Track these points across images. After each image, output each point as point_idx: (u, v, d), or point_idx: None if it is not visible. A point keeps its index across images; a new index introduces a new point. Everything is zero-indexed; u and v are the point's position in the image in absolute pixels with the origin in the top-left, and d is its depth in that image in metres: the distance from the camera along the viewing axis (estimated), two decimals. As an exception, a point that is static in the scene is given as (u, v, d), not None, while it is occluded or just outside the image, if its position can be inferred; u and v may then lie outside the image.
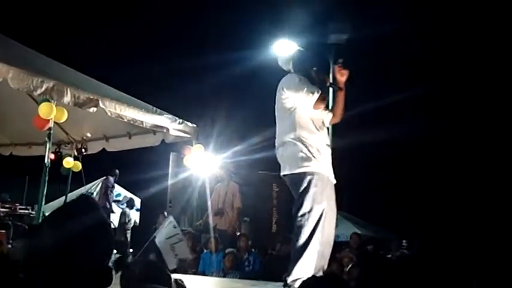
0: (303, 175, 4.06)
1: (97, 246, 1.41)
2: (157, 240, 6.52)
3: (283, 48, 9.06)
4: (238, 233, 8.32)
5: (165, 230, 6.71)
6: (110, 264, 1.56)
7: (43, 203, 6.49)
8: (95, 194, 13.31)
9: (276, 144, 4.37)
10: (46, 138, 6.62)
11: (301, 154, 4.09)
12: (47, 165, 6.49)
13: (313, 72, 4.45)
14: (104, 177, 11.66)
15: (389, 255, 7.97)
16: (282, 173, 4.25)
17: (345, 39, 11.52)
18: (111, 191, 11.24)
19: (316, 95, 4.23)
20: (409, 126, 17.47)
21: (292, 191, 4.18)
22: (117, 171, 11.36)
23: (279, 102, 4.38)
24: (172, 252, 6.48)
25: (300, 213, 3.97)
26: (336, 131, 9.36)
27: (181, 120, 8.15)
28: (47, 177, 6.50)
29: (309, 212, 3.95)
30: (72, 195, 12.99)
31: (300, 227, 3.92)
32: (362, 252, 7.76)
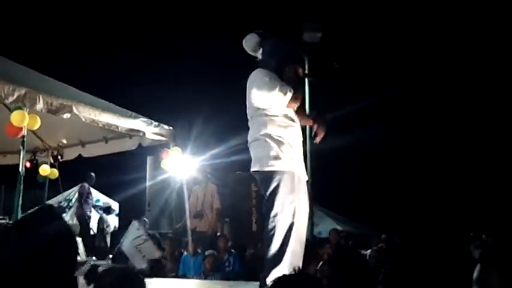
0: (272, 174, 3.92)
1: (59, 255, 1.40)
2: (123, 246, 6.50)
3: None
4: (218, 234, 8.31)
5: (130, 234, 6.72)
6: (79, 274, 1.55)
7: (19, 211, 6.40)
8: (73, 200, 13.21)
9: (249, 139, 4.22)
10: (20, 146, 6.54)
11: (272, 152, 3.96)
12: (21, 173, 6.42)
13: (284, 65, 4.26)
14: (79, 185, 11.39)
15: (366, 251, 8.03)
16: (252, 169, 4.10)
17: (319, 38, 11.56)
18: (88, 197, 11.00)
19: (289, 95, 4.05)
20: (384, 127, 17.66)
21: (262, 189, 4.05)
22: (92, 174, 11.10)
23: (249, 100, 4.20)
24: (140, 254, 6.49)
25: (272, 213, 3.83)
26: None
27: (157, 123, 8.13)
28: (22, 186, 6.44)
29: (281, 212, 3.83)
30: (50, 203, 12.89)
31: (273, 228, 3.82)
32: (336, 248, 7.81)
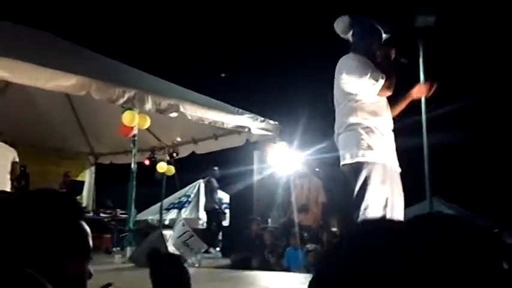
0: (363, 165, 3.71)
1: None
2: (171, 243, 6.72)
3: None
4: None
5: (176, 231, 6.95)
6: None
7: (132, 207, 6.79)
8: (192, 196, 13.76)
9: (336, 130, 3.99)
10: (131, 145, 6.90)
11: (362, 142, 3.73)
12: (133, 170, 6.77)
13: (376, 48, 4.03)
14: (206, 179, 11.62)
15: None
16: (342, 162, 3.87)
17: (433, 22, 10.96)
18: (215, 191, 11.17)
19: (381, 82, 3.83)
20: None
21: (351, 181, 3.78)
22: (215, 168, 11.25)
23: (338, 85, 3.98)
24: (188, 248, 6.78)
25: (363, 206, 3.62)
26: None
27: (262, 119, 8.20)
28: (134, 182, 6.81)
29: (372, 204, 3.61)
30: (170, 200, 13.56)
31: (364, 221, 3.68)
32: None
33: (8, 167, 6.85)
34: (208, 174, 11.31)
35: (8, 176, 6.80)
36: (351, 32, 4.17)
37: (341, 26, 4.21)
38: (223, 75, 17.63)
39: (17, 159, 7.04)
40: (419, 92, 4.24)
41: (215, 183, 11.10)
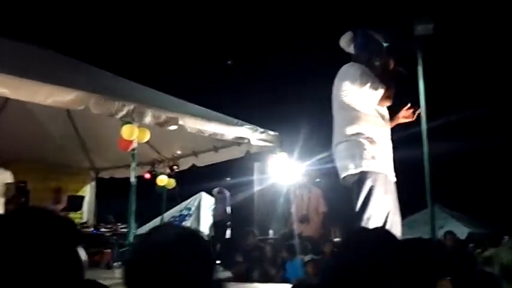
0: (367, 174, 3.75)
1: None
2: None
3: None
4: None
5: None
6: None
7: (133, 221, 6.73)
8: (193, 208, 13.76)
9: (334, 139, 4.04)
10: (131, 159, 6.87)
11: (366, 152, 3.78)
12: (133, 183, 6.73)
13: (375, 58, 4.15)
14: (217, 189, 11.50)
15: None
16: (344, 174, 3.89)
17: (432, 30, 10.97)
18: (228, 203, 11.09)
19: (381, 91, 3.91)
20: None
21: (354, 191, 3.82)
22: (228, 179, 11.24)
23: (338, 94, 4.04)
24: None
25: (366, 216, 3.65)
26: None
27: (262, 130, 8.17)
28: (134, 196, 6.75)
29: (375, 214, 3.64)
30: (171, 213, 13.52)
31: None
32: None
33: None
34: (222, 185, 11.27)
35: (1, 199, 6.86)
36: (352, 45, 4.27)
37: (344, 41, 4.34)
38: (229, 62, 17.57)
39: (10, 180, 7.07)
40: (406, 116, 4.29)
41: (227, 193, 11.08)
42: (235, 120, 7.99)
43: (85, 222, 10.74)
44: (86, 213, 11.47)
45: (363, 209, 3.71)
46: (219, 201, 11.13)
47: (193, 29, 17.73)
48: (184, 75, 16.81)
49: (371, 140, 3.86)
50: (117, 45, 16.27)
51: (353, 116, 3.95)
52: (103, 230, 10.27)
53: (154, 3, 17.10)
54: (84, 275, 1.20)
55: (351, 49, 4.29)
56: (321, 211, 8.11)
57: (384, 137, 3.95)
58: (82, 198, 11.27)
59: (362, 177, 3.78)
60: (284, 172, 8.36)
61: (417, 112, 4.33)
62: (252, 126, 8.08)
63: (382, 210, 3.71)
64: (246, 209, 9.52)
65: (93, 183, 12.09)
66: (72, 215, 10.69)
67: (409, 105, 4.30)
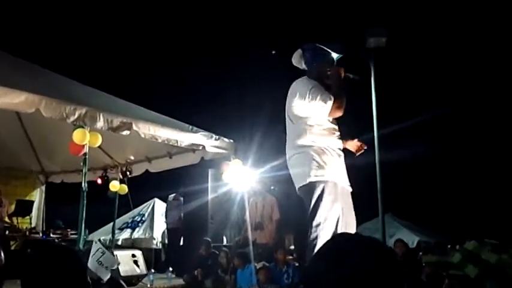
0: (316, 184, 3.83)
1: None
2: (89, 263, 6.59)
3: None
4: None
5: (92, 251, 6.82)
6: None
7: (83, 227, 6.58)
8: (146, 215, 13.55)
9: (287, 151, 4.14)
10: (81, 164, 6.73)
11: (314, 163, 3.87)
12: (83, 189, 6.59)
13: (324, 69, 4.22)
14: (173, 196, 11.24)
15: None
16: (297, 185, 3.99)
17: (384, 42, 11.23)
18: (181, 209, 10.91)
19: (330, 103, 3.96)
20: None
21: (306, 202, 3.91)
22: (182, 188, 11.06)
23: (290, 108, 4.14)
24: (102, 266, 6.63)
25: (315, 223, 3.76)
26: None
27: (217, 137, 8.16)
28: (85, 202, 6.60)
29: (324, 221, 3.74)
30: (123, 219, 13.29)
31: (316, 238, 3.70)
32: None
33: None
34: (177, 192, 11.14)
35: None
36: (303, 61, 4.38)
37: (296, 59, 4.44)
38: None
39: None
40: (353, 147, 4.35)
41: (182, 201, 10.98)
42: (190, 127, 7.94)
43: (34, 228, 10.45)
44: (34, 218, 11.17)
45: (312, 217, 3.81)
46: (174, 208, 10.98)
47: (146, 32, 17.62)
48: (140, 79, 16.67)
49: (320, 151, 3.95)
50: (73, 48, 15.99)
51: (303, 128, 4.05)
52: (52, 235, 10.02)
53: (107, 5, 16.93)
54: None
55: (303, 66, 4.39)
56: (275, 218, 8.15)
57: (334, 147, 4.04)
58: (31, 202, 10.97)
59: (311, 187, 3.87)
60: (238, 179, 8.35)
61: (363, 149, 4.36)
62: (206, 133, 8.05)
63: (331, 218, 3.78)
64: (200, 216, 9.46)
65: (43, 188, 11.80)
66: (20, 220, 10.42)
67: (360, 143, 4.36)
